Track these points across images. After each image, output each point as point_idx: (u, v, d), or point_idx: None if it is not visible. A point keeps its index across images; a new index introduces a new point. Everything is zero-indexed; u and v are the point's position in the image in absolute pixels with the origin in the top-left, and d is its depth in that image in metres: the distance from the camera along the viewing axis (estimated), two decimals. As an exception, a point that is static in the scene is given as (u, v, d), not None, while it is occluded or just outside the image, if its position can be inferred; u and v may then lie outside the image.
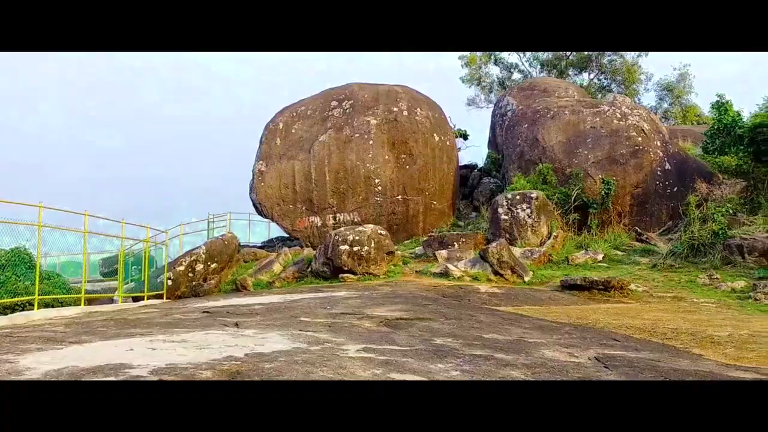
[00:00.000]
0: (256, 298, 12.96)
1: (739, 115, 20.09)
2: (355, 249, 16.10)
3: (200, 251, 18.03)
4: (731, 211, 17.01)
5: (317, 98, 22.14)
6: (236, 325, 8.75)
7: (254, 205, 21.43)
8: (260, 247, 22.38)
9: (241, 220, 26.67)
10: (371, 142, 20.35)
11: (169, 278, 17.33)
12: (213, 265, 17.94)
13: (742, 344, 8.58)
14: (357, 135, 20.44)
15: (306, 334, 7.79)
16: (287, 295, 13.07)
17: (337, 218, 20.09)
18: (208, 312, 10.56)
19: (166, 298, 16.83)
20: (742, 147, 18.95)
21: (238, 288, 16.70)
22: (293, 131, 21.28)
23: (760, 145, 18.44)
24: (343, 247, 16.11)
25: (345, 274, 15.93)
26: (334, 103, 21.49)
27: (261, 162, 21.13)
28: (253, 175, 21.19)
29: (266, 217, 21.62)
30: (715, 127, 20.63)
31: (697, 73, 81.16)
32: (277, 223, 21.29)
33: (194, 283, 17.33)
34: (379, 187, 20.12)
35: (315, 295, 12.85)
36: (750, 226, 16.49)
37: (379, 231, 16.78)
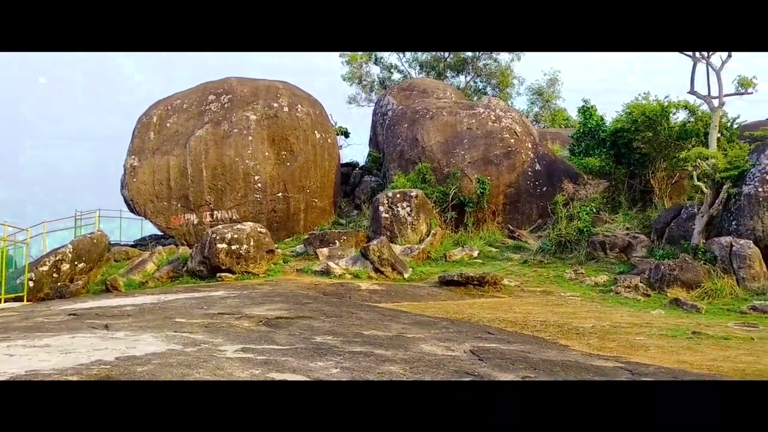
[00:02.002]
0: (128, 299, 12.37)
1: (603, 119, 21.40)
2: (233, 247, 15.74)
3: (66, 250, 16.97)
4: (595, 210, 18.12)
5: (194, 92, 21.43)
6: (106, 327, 8.30)
7: (126, 202, 20.43)
8: (132, 246, 21.38)
9: (112, 218, 25.35)
10: (251, 138, 19.96)
11: (31, 279, 16.19)
12: (81, 265, 16.94)
13: (605, 335, 9.15)
14: (236, 130, 19.98)
15: (181, 336, 7.52)
16: (161, 296, 12.56)
17: (215, 216, 19.54)
18: (75, 314, 9.96)
19: (27, 301, 15.71)
20: (604, 150, 20.21)
21: (109, 289, 15.87)
22: (168, 125, 20.48)
23: (620, 148, 19.76)
24: (221, 246, 15.70)
25: (223, 273, 15.54)
26: (212, 97, 20.88)
27: (133, 157, 20.18)
28: (125, 170, 20.19)
29: (139, 215, 20.65)
30: (581, 130, 21.87)
31: (565, 79, 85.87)
32: (151, 221, 20.40)
33: (59, 284, 16.29)
34: (259, 184, 19.77)
35: (191, 295, 12.45)
36: (611, 224, 17.64)
37: (258, 229, 16.49)
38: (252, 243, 15.93)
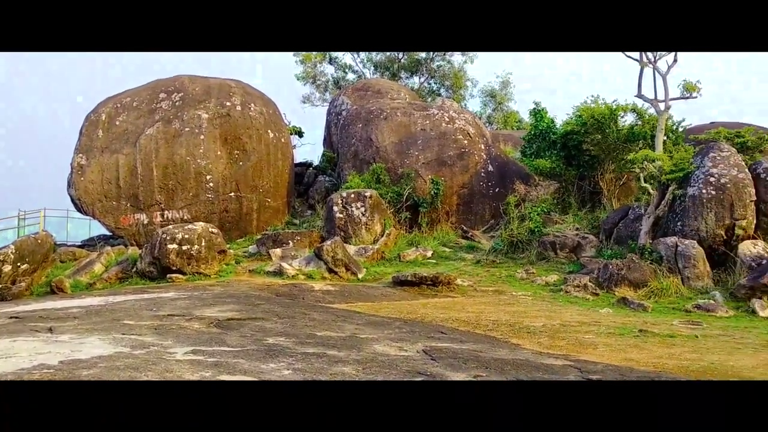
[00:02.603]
0: (75, 301, 12.04)
1: (553, 122, 21.77)
2: (184, 248, 15.47)
3: (8, 251, 16.43)
4: (546, 211, 18.41)
5: (144, 89, 20.98)
6: (50, 330, 8.06)
7: (73, 201, 19.87)
8: (80, 247, 20.82)
9: (58, 217, 24.65)
10: (202, 136, 19.65)
11: (-29, 281, 15.63)
12: (24, 266, 16.43)
13: (555, 333, 9.30)
14: (187, 129, 19.64)
15: (130, 338, 7.36)
16: (110, 297, 12.27)
17: (166, 216, 19.17)
18: (17, 317, 9.65)
19: (-33, 304, 15.16)
20: (555, 151, 20.56)
21: (54, 290, 15.41)
22: (117, 123, 20.01)
23: (570, 150, 20.13)
24: (171, 246, 15.42)
25: (174, 274, 15.27)
26: (163, 95, 20.49)
27: (81, 155, 19.65)
28: (72, 169, 19.64)
29: (87, 215, 20.12)
30: (532, 132, 22.19)
31: (517, 82, 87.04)
32: (99, 221, 19.89)
33: (1, 286, 15.77)
34: (211, 184, 19.49)
35: (140, 296, 12.19)
36: (562, 224, 17.94)
37: (210, 229, 16.25)
38: (203, 243, 15.69)
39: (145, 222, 19.22)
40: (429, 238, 18.64)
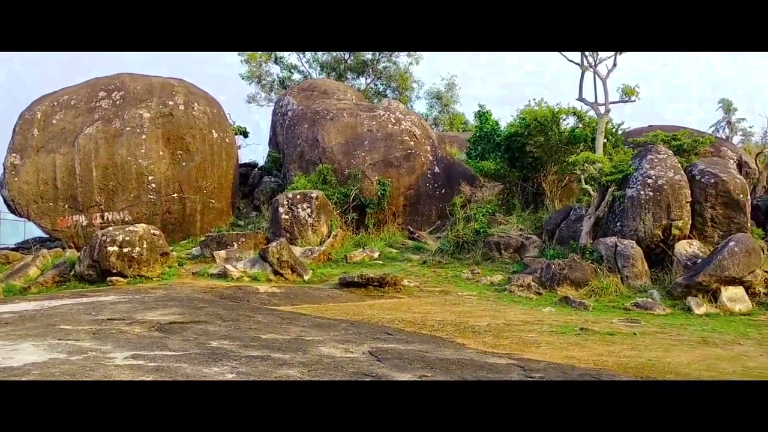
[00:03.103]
0: (7, 306, 11.57)
1: (497, 124, 22.07)
2: (125, 250, 15.08)
3: (-63, 255, 15.73)
4: (490, 212, 18.65)
5: (82, 87, 20.35)
6: (-20, 337, 7.72)
7: (6, 202, 19.14)
8: (14, 249, 20.08)
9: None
10: (144, 136, 19.18)
11: None
12: (-46, 271, 15.74)
13: (499, 332, 9.41)
14: (128, 128, 19.14)
15: (66, 343, 7.11)
16: (45, 302, 11.84)
17: (106, 217, 18.65)
18: (-56, 324, 9.21)
19: None
20: (499, 153, 20.84)
21: (-14, 295, 14.82)
22: (54, 122, 19.35)
23: (514, 152, 20.44)
24: (111, 248, 15.01)
25: (114, 277, 14.86)
26: (103, 93, 19.91)
27: (14, 155, 18.92)
28: (5, 169, 18.91)
29: (21, 216, 19.42)
30: (477, 134, 22.44)
31: (464, 85, 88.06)
32: (35, 223, 19.21)
33: (-71, 291, 15.06)
34: (153, 185, 19.05)
35: (79, 300, 11.81)
36: (506, 225, 18.21)
37: (152, 231, 15.88)
38: (145, 245, 15.32)
39: (84, 224, 18.66)
40: (376, 239, 18.65)
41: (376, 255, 17.38)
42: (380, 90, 35.86)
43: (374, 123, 21.04)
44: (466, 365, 6.58)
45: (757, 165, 20.66)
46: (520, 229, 17.78)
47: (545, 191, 19.58)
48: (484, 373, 6.23)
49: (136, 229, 15.65)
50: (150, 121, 19.45)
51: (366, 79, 36.12)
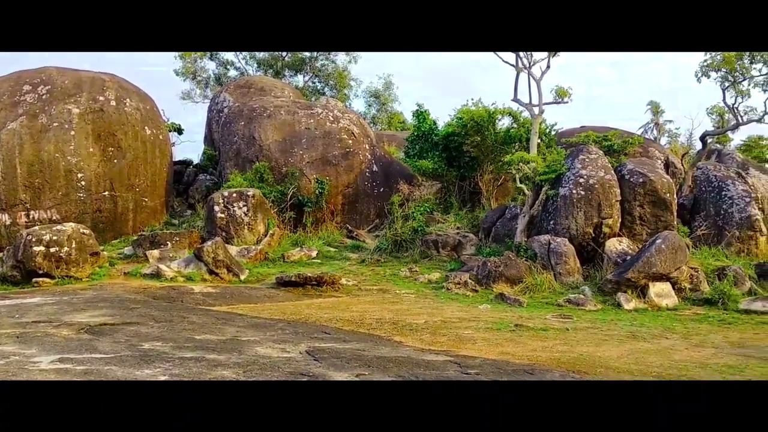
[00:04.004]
0: (-76, 310, 10.99)
1: (435, 123, 22.25)
2: (52, 250, 14.53)
3: None
4: (428, 210, 18.81)
5: (5, 81, 19.48)
6: None
7: None
8: (-69, 250, 19.08)
9: None
10: (73, 132, 18.49)
11: None
12: None
13: (436, 330, 9.49)
14: (56, 124, 18.42)
15: (-13, 348, 6.80)
16: (-35, 305, 11.31)
17: (32, 216, 17.91)
18: None
19: None
20: (437, 153, 21.02)
21: None
22: (-25, 116, 18.49)
23: (451, 151, 20.68)
24: (37, 248, 14.44)
25: (40, 278, 14.30)
26: (27, 87, 19.10)
27: (-68, 150, 17.99)
28: None
29: (-60, 215, 18.51)
30: (416, 133, 22.58)
31: (401, 84, 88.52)
32: (-45, 222, 18.34)
33: None
34: (83, 183, 18.40)
35: (1, 302, 11.33)
36: (444, 223, 18.40)
37: (81, 230, 15.35)
38: (74, 245, 14.81)
39: (8, 223, 17.88)
40: (314, 238, 18.53)
41: (314, 254, 17.28)
42: (318, 88, 35.67)
43: (312, 121, 20.91)
44: (403, 363, 6.60)
45: (682, 165, 21.51)
46: (458, 228, 18.00)
47: (482, 190, 19.88)
48: (421, 370, 6.27)
49: (64, 228, 15.11)
50: (79, 116, 18.78)
51: (304, 76, 35.89)
